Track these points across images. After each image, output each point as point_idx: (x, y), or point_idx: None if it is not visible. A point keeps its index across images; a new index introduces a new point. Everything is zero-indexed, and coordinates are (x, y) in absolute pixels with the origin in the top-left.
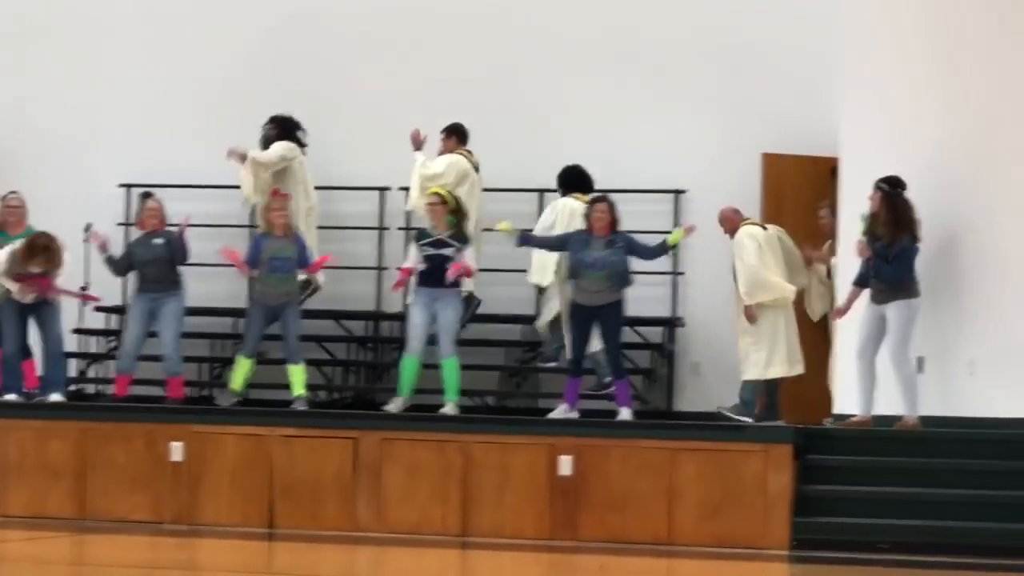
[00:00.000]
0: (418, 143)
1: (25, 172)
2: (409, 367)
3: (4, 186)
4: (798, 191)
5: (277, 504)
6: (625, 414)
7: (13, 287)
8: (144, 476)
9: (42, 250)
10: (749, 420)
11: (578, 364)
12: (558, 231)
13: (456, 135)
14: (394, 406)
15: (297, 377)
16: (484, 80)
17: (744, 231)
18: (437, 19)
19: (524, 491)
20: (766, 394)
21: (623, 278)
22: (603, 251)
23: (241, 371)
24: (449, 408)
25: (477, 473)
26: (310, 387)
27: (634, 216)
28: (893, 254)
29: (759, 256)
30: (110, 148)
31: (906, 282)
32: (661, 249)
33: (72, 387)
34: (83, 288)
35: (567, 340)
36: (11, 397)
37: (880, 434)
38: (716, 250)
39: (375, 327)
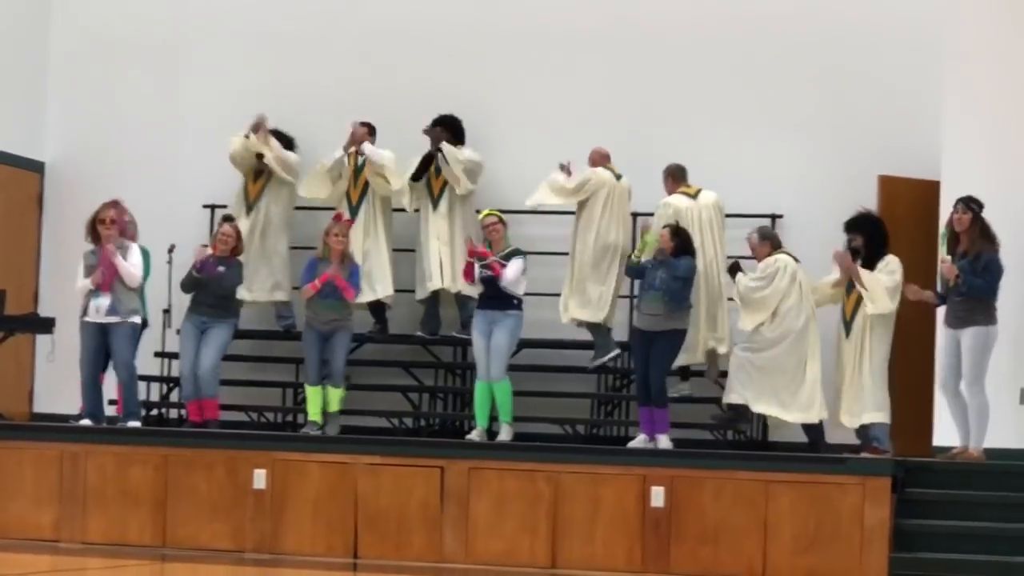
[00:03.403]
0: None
1: (110, 193)
2: (478, 393)
3: (90, 207)
4: (909, 214)
5: (361, 534)
6: (663, 441)
7: (88, 284)
8: (226, 504)
9: (103, 208)
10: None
11: (645, 391)
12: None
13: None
14: (475, 434)
15: (332, 396)
16: (585, 100)
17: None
18: (548, 41)
19: (615, 522)
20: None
21: (673, 295)
22: (659, 271)
23: (313, 400)
24: (503, 432)
25: (567, 504)
26: (397, 414)
27: (734, 242)
28: (982, 266)
29: None
30: (194, 169)
31: (987, 303)
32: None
33: (153, 412)
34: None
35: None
36: (86, 422)
37: (981, 467)
38: (813, 275)
39: (463, 353)
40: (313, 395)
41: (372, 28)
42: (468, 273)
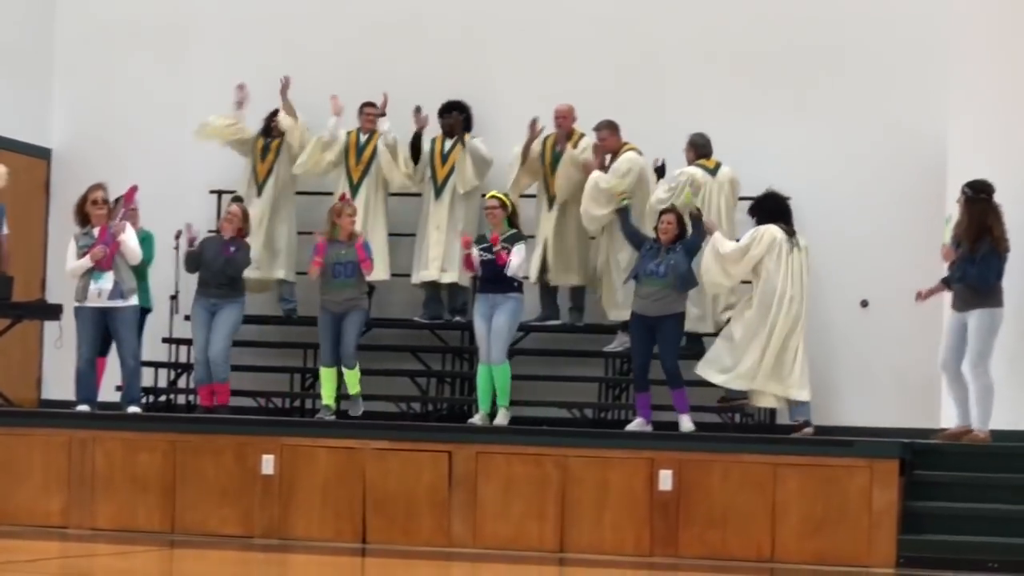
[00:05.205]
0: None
1: (117, 177)
2: (481, 377)
3: None
4: None
5: (370, 518)
6: (685, 422)
7: (87, 262)
8: (234, 489)
9: (92, 190)
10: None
11: (643, 377)
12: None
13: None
14: (477, 418)
15: (351, 379)
16: (603, 88)
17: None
18: (554, 29)
19: (623, 506)
20: None
21: (684, 279)
22: (664, 256)
23: (327, 383)
24: (500, 416)
25: (575, 487)
26: (405, 399)
27: (744, 224)
28: (979, 257)
29: None
30: (200, 154)
31: (990, 288)
32: (695, 224)
33: (162, 398)
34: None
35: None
36: (84, 408)
37: (989, 449)
38: (814, 258)
39: (470, 338)
40: (327, 377)
41: (378, 14)
42: (469, 265)
